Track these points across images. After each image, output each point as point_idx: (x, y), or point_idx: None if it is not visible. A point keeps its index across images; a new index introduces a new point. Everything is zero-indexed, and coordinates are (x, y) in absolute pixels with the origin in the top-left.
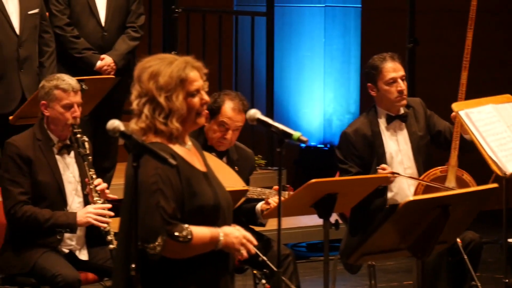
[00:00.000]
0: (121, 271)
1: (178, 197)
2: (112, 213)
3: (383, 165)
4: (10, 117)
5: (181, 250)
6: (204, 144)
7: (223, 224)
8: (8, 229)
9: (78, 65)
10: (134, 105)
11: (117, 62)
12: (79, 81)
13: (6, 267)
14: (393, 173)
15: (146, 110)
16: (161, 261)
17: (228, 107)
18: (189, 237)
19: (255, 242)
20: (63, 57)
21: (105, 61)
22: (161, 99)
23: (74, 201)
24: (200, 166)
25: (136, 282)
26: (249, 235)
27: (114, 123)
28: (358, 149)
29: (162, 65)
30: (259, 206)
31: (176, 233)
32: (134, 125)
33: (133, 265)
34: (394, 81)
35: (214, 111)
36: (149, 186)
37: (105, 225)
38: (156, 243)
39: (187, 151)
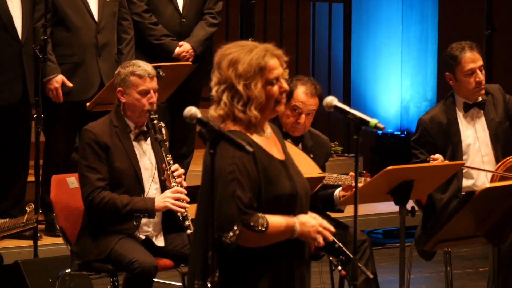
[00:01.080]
0: (198, 259)
1: (255, 186)
2: (188, 199)
3: (435, 156)
4: (88, 104)
5: (256, 239)
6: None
7: (300, 212)
8: (85, 216)
9: (157, 52)
10: (214, 91)
11: (195, 49)
12: (156, 67)
13: (83, 253)
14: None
15: (225, 98)
16: (236, 249)
17: (300, 91)
18: (264, 226)
19: (333, 229)
20: (141, 44)
21: (184, 47)
22: (240, 87)
23: (151, 187)
24: (279, 154)
25: (213, 270)
26: (325, 223)
27: (191, 110)
28: (433, 136)
29: (242, 53)
30: (337, 192)
31: (252, 223)
32: (213, 111)
33: (210, 253)
34: (472, 72)
35: (287, 96)
36: (226, 175)
37: (183, 210)
38: (232, 233)
39: (265, 139)
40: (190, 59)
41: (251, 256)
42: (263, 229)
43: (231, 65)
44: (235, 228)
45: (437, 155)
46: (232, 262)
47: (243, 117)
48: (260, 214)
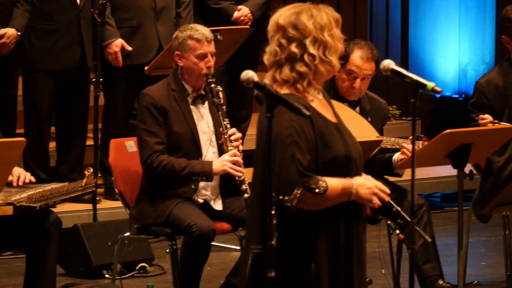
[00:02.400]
0: (256, 222)
1: (312, 149)
2: (241, 161)
3: (483, 115)
4: (146, 68)
5: (316, 202)
6: (335, 94)
7: (355, 175)
8: (143, 179)
9: (215, 16)
10: (292, 49)
11: (253, 13)
12: (213, 31)
13: (142, 217)
14: (493, 122)
15: (312, 50)
16: (295, 212)
17: (356, 55)
18: (324, 188)
19: (388, 191)
20: (200, 8)
21: (242, 11)
22: (326, 37)
23: (209, 151)
24: (331, 117)
25: (271, 234)
26: (381, 185)
27: (248, 74)
28: (489, 99)
29: (310, 9)
30: (396, 156)
31: (313, 185)
32: (288, 72)
33: (268, 217)
34: None
35: (343, 60)
36: (284, 138)
37: (240, 174)
38: (292, 196)
39: (319, 102)
40: (249, 23)
41: (310, 219)
42: (323, 191)
43: (309, 19)
44: (296, 191)
45: (486, 115)
46: (290, 225)
47: (324, 70)
48: (319, 177)
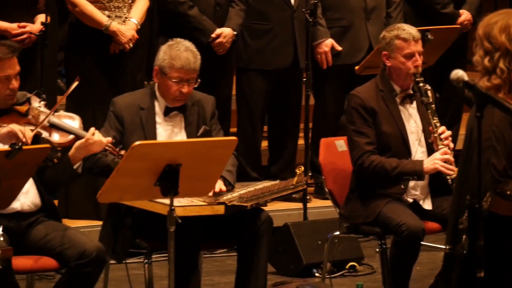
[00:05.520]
0: (451, 224)
1: (510, 153)
2: (453, 159)
3: None
4: (356, 67)
5: (510, 208)
6: None
7: None
8: (353, 179)
9: (436, 20)
10: (484, 62)
11: (473, 16)
12: (424, 31)
13: (352, 216)
14: None
15: (501, 65)
16: (489, 216)
17: None
18: None
19: None
20: (418, 7)
21: (465, 16)
22: None
23: (418, 151)
24: None
25: (462, 235)
26: None
27: (458, 73)
28: None
29: (510, 18)
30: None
31: (508, 192)
32: (486, 82)
33: (462, 218)
34: None
35: None
36: (482, 142)
37: (451, 172)
38: (484, 200)
39: None
40: (469, 27)
41: (503, 223)
42: None
43: (502, 31)
44: (488, 195)
45: None
46: (484, 229)
47: None
48: None
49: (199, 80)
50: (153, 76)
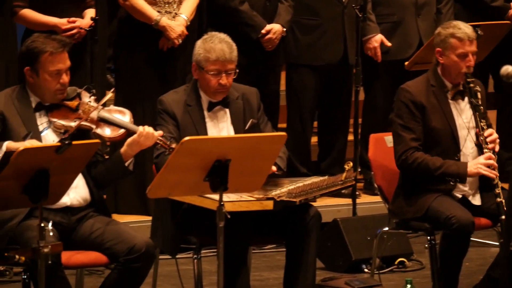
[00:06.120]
0: (507, 220)
1: None
2: (496, 164)
3: None
4: (406, 63)
5: None
6: None
7: None
8: (401, 175)
9: (489, 12)
10: None
11: None
12: (474, 26)
13: (400, 211)
14: None
15: None
16: None
17: None
18: None
19: None
20: (467, 1)
21: None
22: None
23: (467, 146)
24: None
25: None
26: None
27: (508, 69)
28: None
29: None
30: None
31: None
32: None
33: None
34: None
35: None
36: None
37: (494, 176)
38: None
39: None
40: None
41: None
42: None
43: None
44: None
45: None
46: None
47: None
48: None
49: (237, 71)
50: (192, 72)
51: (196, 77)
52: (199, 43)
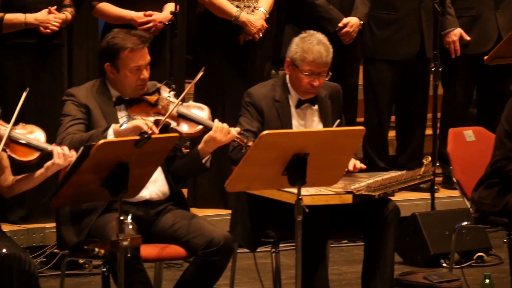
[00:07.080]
0: None
1: None
2: None
3: None
4: (485, 57)
5: None
6: None
7: None
8: (489, 167)
9: None
10: None
11: None
12: None
13: (480, 202)
14: None
15: None
16: None
17: None
18: None
19: None
20: None
21: None
22: None
23: None
24: None
25: None
26: None
27: None
28: None
29: None
30: None
31: None
32: None
33: None
34: None
35: None
36: None
37: None
38: None
39: None
40: None
41: None
42: None
43: None
44: None
45: None
46: None
47: None
48: None
49: (330, 74)
50: (284, 67)
51: (289, 73)
52: (296, 40)
